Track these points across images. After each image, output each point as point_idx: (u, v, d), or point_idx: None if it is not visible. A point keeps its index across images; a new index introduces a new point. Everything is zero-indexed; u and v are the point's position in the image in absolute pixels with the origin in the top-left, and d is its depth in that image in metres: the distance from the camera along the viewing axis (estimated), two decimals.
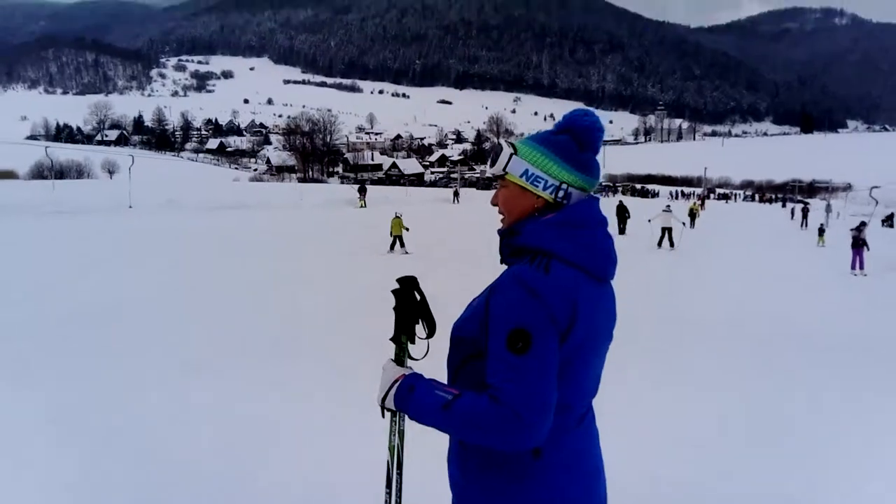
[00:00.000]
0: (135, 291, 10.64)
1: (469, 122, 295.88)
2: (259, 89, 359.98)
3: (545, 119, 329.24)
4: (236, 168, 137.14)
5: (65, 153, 76.20)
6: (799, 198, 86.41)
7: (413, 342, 1.92)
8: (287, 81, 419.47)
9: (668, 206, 23.60)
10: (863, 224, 18.52)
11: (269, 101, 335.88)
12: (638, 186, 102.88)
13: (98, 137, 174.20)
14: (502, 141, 1.81)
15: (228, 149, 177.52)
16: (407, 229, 17.61)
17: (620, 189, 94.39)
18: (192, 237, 19.34)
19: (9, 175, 63.55)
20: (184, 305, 9.76)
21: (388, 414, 1.87)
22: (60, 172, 65.80)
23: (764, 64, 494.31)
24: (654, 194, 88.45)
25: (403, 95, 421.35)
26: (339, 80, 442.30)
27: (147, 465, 4.34)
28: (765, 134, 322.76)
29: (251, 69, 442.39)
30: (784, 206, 69.68)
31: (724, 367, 7.37)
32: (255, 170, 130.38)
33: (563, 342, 1.58)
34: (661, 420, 5.55)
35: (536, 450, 1.63)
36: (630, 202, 32.05)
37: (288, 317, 9.18)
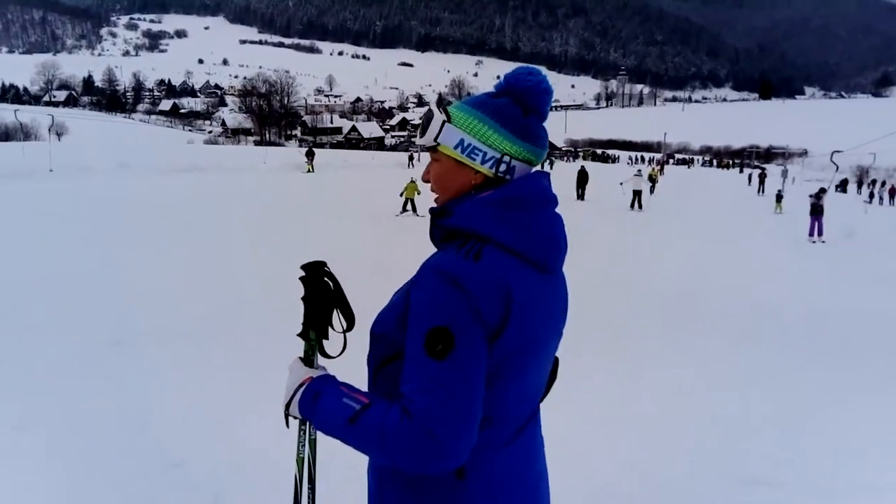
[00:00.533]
0: (48, 266, 9.82)
1: (430, 85, 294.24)
2: (214, 49, 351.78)
3: None
4: (190, 130, 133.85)
5: (10, 114, 73.40)
6: (756, 163, 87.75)
7: (326, 337, 1.65)
8: (243, 41, 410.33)
9: (640, 170, 25.29)
10: (822, 191, 18.44)
11: (225, 62, 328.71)
12: (599, 152, 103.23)
13: (46, 98, 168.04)
14: (433, 106, 1.54)
15: (182, 110, 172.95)
16: (419, 192, 18.35)
17: (581, 154, 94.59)
18: (112, 203, 18.09)
19: None
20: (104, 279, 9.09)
21: (295, 422, 1.57)
22: (6, 135, 63.17)
23: (725, 30, 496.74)
24: (615, 159, 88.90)
25: (364, 57, 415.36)
26: (297, 41, 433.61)
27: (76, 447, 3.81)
28: (724, 100, 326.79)
29: (206, 28, 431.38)
30: (741, 171, 70.57)
31: (683, 342, 7.07)
32: (210, 132, 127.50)
33: (493, 343, 1.33)
34: (611, 399, 5.20)
35: (460, 470, 1.37)
36: (591, 167, 31.81)
37: (224, 291, 8.62)
